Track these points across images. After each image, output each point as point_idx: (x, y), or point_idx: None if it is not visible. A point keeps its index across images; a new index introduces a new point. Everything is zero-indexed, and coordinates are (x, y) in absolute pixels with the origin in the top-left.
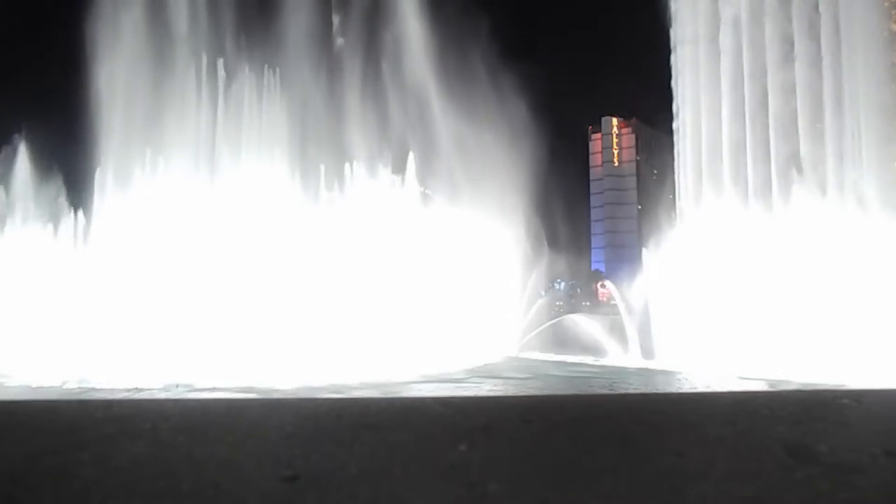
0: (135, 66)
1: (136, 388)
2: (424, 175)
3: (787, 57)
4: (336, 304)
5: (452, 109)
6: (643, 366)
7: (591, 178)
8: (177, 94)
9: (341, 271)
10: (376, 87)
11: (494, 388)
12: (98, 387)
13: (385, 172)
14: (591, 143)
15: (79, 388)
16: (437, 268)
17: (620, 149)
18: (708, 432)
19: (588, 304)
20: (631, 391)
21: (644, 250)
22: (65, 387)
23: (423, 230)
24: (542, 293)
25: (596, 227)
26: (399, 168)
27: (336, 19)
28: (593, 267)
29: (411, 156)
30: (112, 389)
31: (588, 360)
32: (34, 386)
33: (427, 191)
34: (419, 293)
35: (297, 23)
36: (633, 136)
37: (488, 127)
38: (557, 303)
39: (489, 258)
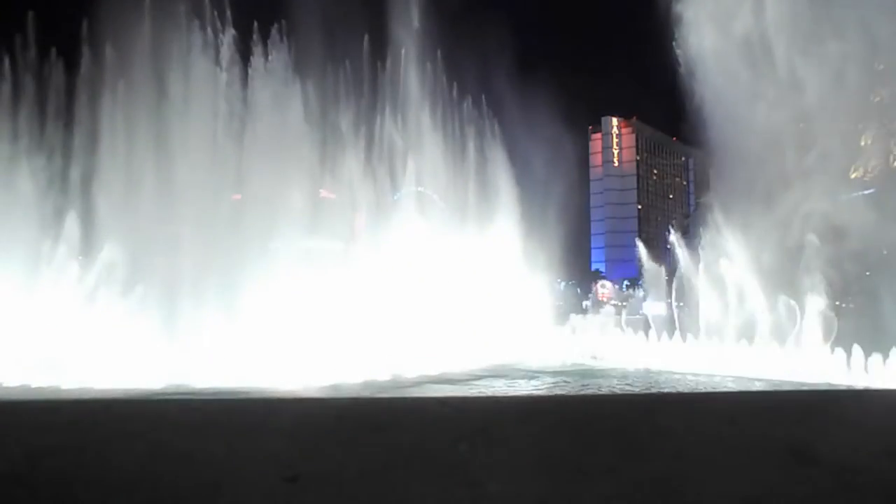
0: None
1: (136, 389)
2: (424, 177)
3: None
4: (339, 306)
5: (452, 110)
6: (643, 366)
7: (591, 178)
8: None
9: (348, 273)
10: (372, 94)
11: (494, 388)
12: (98, 387)
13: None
14: (591, 143)
15: (79, 388)
16: (436, 270)
17: (620, 149)
18: (708, 432)
19: (588, 303)
20: (631, 391)
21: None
22: (64, 387)
23: (422, 233)
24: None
25: (596, 227)
26: (400, 172)
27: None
28: (593, 267)
29: (410, 159)
30: (112, 389)
31: (588, 360)
32: (34, 386)
33: (426, 190)
34: (420, 296)
35: None
36: (633, 136)
37: (488, 128)
38: (557, 303)
39: (488, 260)
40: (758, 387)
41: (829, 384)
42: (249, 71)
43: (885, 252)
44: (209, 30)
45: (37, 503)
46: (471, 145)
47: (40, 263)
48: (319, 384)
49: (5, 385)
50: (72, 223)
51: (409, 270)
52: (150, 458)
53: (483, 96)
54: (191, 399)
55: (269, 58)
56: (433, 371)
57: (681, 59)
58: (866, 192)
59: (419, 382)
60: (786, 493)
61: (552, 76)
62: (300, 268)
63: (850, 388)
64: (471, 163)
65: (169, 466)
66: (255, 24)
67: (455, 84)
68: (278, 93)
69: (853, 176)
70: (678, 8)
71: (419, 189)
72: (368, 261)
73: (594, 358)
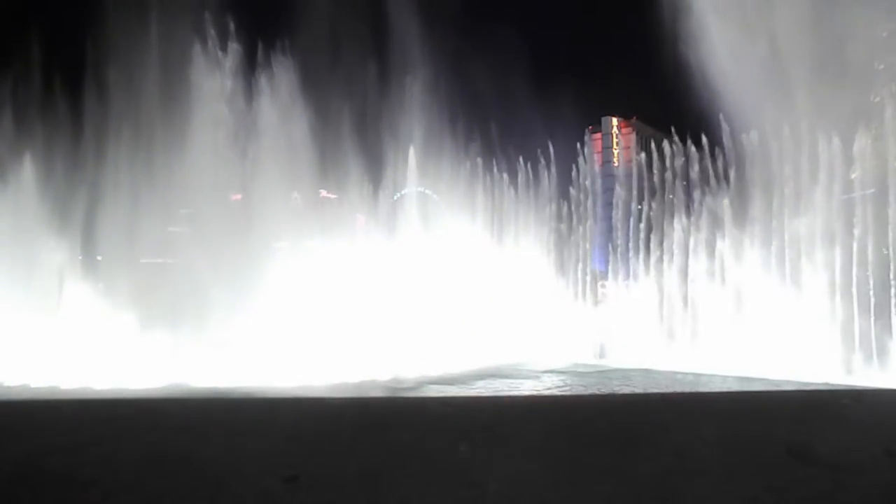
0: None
1: (136, 389)
2: (425, 177)
3: None
4: (343, 308)
5: (451, 111)
6: (643, 366)
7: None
8: None
9: (353, 278)
10: (376, 95)
11: (496, 388)
12: (98, 387)
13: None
14: (591, 143)
15: (79, 388)
16: (438, 272)
17: (620, 149)
18: (708, 432)
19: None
20: (631, 391)
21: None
22: (64, 387)
23: (425, 234)
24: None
25: (596, 227)
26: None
27: None
28: (593, 267)
29: (412, 155)
30: (112, 389)
31: (590, 359)
32: (34, 386)
33: (427, 191)
34: (423, 299)
35: None
36: (633, 136)
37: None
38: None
39: (489, 261)
40: (758, 387)
41: (829, 384)
42: (253, 88)
43: (885, 251)
44: (211, 44)
45: (38, 502)
46: (472, 145)
47: (42, 264)
48: (320, 384)
49: (5, 385)
50: (76, 225)
51: (415, 272)
52: (150, 458)
53: (486, 97)
54: (191, 399)
55: (273, 74)
56: (434, 372)
57: (690, 59)
58: (867, 192)
59: (420, 383)
60: (785, 493)
61: (552, 76)
62: (302, 267)
63: (850, 388)
64: (472, 163)
65: (169, 466)
66: (259, 42)
67: (456, 81)
68: (283, 111)
69: (853, 176)
70: (687, 5)
71: (420, 189)
72: (369, 261)
73: (596, 357)
